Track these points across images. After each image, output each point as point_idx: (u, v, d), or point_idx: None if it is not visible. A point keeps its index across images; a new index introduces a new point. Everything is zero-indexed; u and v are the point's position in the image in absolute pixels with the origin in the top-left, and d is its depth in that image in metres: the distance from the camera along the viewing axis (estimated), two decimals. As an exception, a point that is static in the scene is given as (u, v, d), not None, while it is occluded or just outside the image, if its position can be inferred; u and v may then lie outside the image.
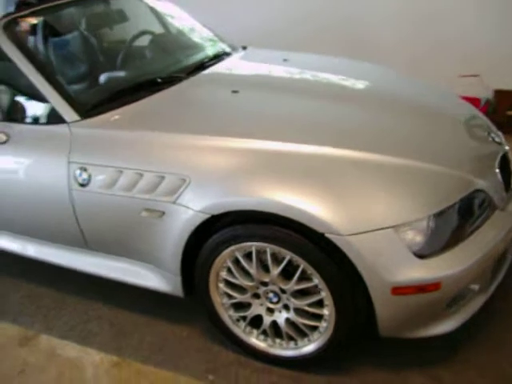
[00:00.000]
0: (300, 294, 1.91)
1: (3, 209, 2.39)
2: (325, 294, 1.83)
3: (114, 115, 2.15)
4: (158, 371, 2.07)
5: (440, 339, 1.93)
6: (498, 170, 2.04)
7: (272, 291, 1.95)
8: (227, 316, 2.06)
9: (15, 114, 2.27)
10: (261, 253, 1.88)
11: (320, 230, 1.72)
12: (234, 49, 3.00)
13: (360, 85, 2.53)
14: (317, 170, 1.82)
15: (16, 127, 2.23)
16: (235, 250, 1.90)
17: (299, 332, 1.97)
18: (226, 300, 2.03)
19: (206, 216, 1.86)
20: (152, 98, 2.26)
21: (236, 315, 2.05)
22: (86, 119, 2.13)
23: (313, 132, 2.01)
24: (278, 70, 2.72)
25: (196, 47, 2.92)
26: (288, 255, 1.82)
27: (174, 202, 1.92)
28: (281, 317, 1.98)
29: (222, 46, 2.96)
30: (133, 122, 2.12)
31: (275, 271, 1.87)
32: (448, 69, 3.78)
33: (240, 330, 2.06)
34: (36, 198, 2.21)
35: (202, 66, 2.60)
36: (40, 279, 2.65)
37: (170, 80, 2.39)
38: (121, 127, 2.09)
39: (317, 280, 1.82)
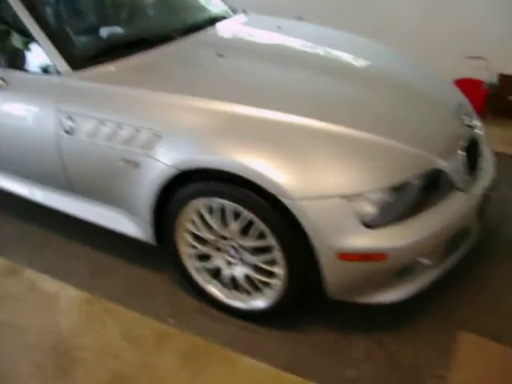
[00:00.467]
0: (257, 251, 2.03)
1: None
2: (278, 254, 1.94)
3: (103, 69, 2.26)
4: (125, 310, 2.24)
5: (391, 307, 2.04)
6: (461, 153, 2.10)
7: (231, 246, 2.07)
8: (191, 265, 2.20)
9: (16, 61, 2.37)
10: (223, 208, 2.00)
11: (273, 192, 1.82)
12: (235, 12, 3.06)
13: (349, 58, 2.56)
14: (280, 136, 1.91)
15: (16, 74, 2.36)
16: (199, 204, 2.02)
17: (254, 287, 2.10)
18: (190, 250, 2.17)
19: (175, 171, 1.98)
20: (141, 55, 2.36)
21: (199, 265, 2.19)
22: (77, 71, 2.24)
23: (285, 100, 2.09)
24: (269, 37, 2.77)
25: (196, 8, 2.99)
26: (246, 214, 1.94)
27: (147, 155, 2.04)
28: (238, 270, 2.11)
29: (223, 9, 3.03)
30: (117, 77, 2.23)
31: (234, 227, 2.00)
32: (455, 50, 3.76)
33: (202, 279, 2.21)
34: (28, 142, 2.36)
35: (197, 27, 2.68)
36: (31, 218, 2.84)
37: (163, 39, 2.48)
38: (106, 81, 2.21)
39: (271, 239, 1.93)
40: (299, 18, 4.36)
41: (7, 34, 2.38)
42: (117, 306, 2.26)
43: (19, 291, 2.35)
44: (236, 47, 2.57)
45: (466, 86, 3.74)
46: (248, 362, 2.02)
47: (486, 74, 3.67)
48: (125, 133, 2.08)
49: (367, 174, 1.86)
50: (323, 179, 1.83)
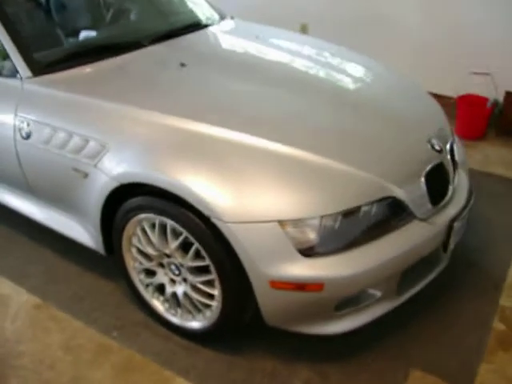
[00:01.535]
0: (197, 270, 1.96)
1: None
2: (214, 275, 1.88)
3: (62, 76, 2.24)
4: (71, 320, 2.21)
5: (341, 337, 1.95)
6: (423, 180, 1.97)
7: (174, 263, 2.02)
8: (137, 278, 2.16)
9: None
10: (164, 225, 1.94)
11: (206, 213, 1.76)
12: (222, 18, 3.00)
13: (322, 74, 2.46)
14: (220, 155, 1.84)
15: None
16: (141, 219, 1.98)
17: (194, 306, 2.04)
18: (137, 264, 2.13)
19: (116, 184, 1.94)
20: (103, 62, 2.33)
21: (145, 280, 2.15)
22: (37, 76, 2.23)
23: (234, 116, 2.02)
24: (243, 47, 2.70)
25: (177, 14, 2.94)
26: (183, 232, 1.88)
27: (95, 166, 2.01)
28: (180, 289, 2.05)
29: (208, 16, 2.96)
30: (73, 85, 2.20)
31: (173, 245, 1.94)
32: (460, 65, 3.59)
33: (147, 294, 2.16)
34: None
35: (171, 34, 2.63)
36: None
37: (130, 46, 2.44)
38: (61, 88, 2.18)
39: (207, 261, 1.87)
40: (303, 27, 4.28)
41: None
42: (65, 314, 2.24)
43: (-28, 293, 2.37)
44: (204, 57, 2.50)
45: (470, 102, 3.58)
46: (181, 383, 1.96)
47: (491, 91, 3.47)
48: (75, 142, 2.05)
49: (310, 199, 1.76)
50: (259, 203, 1.74)
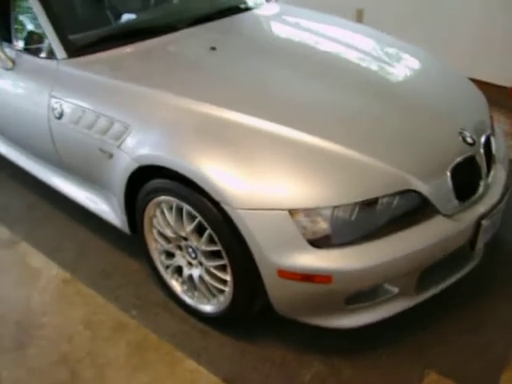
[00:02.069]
0: (211, 255, 1.96)
1: (6, 124, 2.72)
2: (226, 261, 1.88)
3: (94, 58, 2.29)
4: (95, 296, 2.28)
5: (356, 332, 1.91)
6: (449, 174, 1.87)
7: (190, 247, 2.03)
8: (158, 260, 2.19)
9: (26, 44, 2.45)
10: (181, 208, 1.96)
11: (217, 198, 1.75)
12: (267, 1, 2.95)
13: (356, 61, 2.37)
14: (237, 141, 1.83)
15: (23, 56, 2.45)
16: (160, 201, 2.00)
17: (209, 290, 2.05)
18: (157, 246, 2.16)
19: (136, 165, 1.97)
20: (135, 46, 2.36)
21: (165, 261, 2.17)
22: (72, 58, 2.29)
23: (259, 103, 1.99)
24: (281, 32, 2.65)
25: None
26: (198, 217, 1.88)
27: (118, 147, 2.05)
28: (196, 272, 2.06)
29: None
30: (103, 67, 2.26)
31: (188, 228, 1.95)
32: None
33: (167, 275, 2.19)
34: (28, 121, 2.46)
35: (209, 17, 2.61)
36: (38, 191, 2.94)
37: (164, 29, 2.46)
38: (91, 70, 2.24)
39: (219, 246, 1.87)
40: (359, 13, 4.15)
41: (19, 18, 2.49)
42: (90, 290, 2.31)
43: (9, 262, 2.48)
44: (236, 41, 2.48)
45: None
46: (191, 365, 1.98)
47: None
48: (102, 123, 2.10)
49: (323, 189, 1.72)
50: (271, 190, 1.72)
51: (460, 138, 1.96)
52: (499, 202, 2.02)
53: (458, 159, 1.91)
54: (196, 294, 2.10)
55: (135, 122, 2.01)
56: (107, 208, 2.33)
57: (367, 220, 1.75)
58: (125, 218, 2.21)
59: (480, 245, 2.00)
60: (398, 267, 1.79)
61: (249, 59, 2.29)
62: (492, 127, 2.24)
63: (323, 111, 1.98)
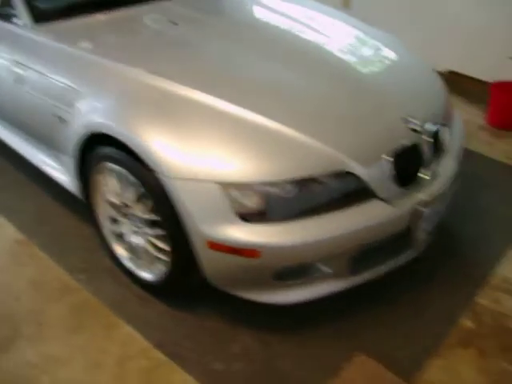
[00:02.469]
0: (152, 224, 1.99)
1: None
2: (164, 231, 1.91)
3: (57, 26, 2.34)
4: (46, 258, 2.33)
5: (291, 309, 1.96)
6: (388, 158, 1.87)
7: (134, 215, 2.07)
8: (106, 226, 2.23)
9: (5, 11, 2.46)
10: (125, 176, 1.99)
11: (154, 168, 1.79)
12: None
13: (316, 43, 2.38)
14: (180, 113, 1.86)
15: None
16: (107, 168, 2.03)
17: (150, 258, 2.08)
18: (104, 212, 2.20)
19: (85, 131, 2.01)
20: (98, 16, 2.40)
21: (111, 228, 2.21)
22: (36, 24, 2.33)
23: (204, 77, 2.03)
24: (243, 13, 2.67)
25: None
26: (139, 185, 1.92)
27: (70, 113, 2.09)
28: (138, 239, 2.10)
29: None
30: (63, 36, 2.29)
31: (131, 197, 1.99)
32: (499, 49, 3.32)
33: (112, 240, 2.23)
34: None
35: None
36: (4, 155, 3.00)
37: (129, 1, 2.49)
38: (52, 38, 2.27)
39: (159, 215, 1.90)
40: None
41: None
42: (43, 253, 2.37)
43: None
44: (199, 18, 2.47)
45: (505, 89, 3.33)
46: (128, 330, 2.03)
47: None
48: (55, 88, 2.14)
49: (256, 165, 1.74)
50: (205, 162, 1.75)
51: (405, 125, 1.97)
52: (443, 191, 2.03)
53: (401, 145, 1.91)
54: (138, 261, 2.15)
55: (87, 89, 2.05)
56: (62, 173, 2.37)
57: (301, 198, 1.77)
58: (78, 183, 2.25)
59: (420, 233, 2.02)
60: (327, 247, 1.81)
61: (208, 36, 2.30)
62: (448, 117, 2.24)
63: (271, 90, 2.00)
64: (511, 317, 2.13)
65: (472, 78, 3.53)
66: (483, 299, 2.20)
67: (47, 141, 2.33)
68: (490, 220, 2.65)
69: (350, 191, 1.84)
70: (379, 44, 2.48)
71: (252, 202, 1.74)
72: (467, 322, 2.10)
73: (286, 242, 1.74)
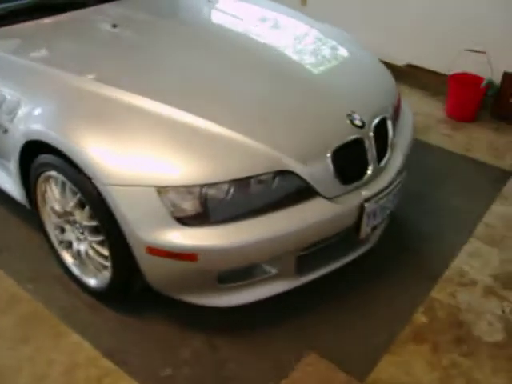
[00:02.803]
0: (94, 230, 1.96)
1: None
2: (104, 237, 1.89)
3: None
4: (-4, 268, 2.31)
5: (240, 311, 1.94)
6: (330, 155, 1.86)
7: (77, 222, 2.04)
8: (53, 234, 2.20)
9: None
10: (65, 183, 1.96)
11: (89, 174, 1.76)
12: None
13: (258, 41, 2.37)
14: (115, 118, 1.84)
15: None
16: (48, 176, 2.00)
17: (95, 265, 2.05)
18: (50, 220, 2.17)
19: (25, 139, 1.97)
20: (35, 22, 2.36)
21: (59, 236, 2.18)
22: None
23: (142, 80, 2.00)
24: (188, 10, 2.65)
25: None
26: (78, 192, 1.89)
27: (11, 122, 2.05)
28: (82, 246, 2.07)
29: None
30: (3, 43, 2.25)
31: (71, 203, 1.96)
32: (455, 40, 3.33)
33: (60, 248, 2.20)
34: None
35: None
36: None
37: (68, 6, 2.46)
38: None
39: (97, 221, 1.88)
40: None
41: None
42: (-8, 262, 2.34)
43: None
44: (140, 20, 2.45)
45: (463, 81, 3.34)
46: (75, 339, 2.00)
47: (487, 70, 3.20)
48: (-1, 98, 2.11)
49: (192, 167, 1.72)
50: (140, 167, 1.72)
51: (348, 121, 1.95)
52: (387, 186, 2.02)
53: (342, 142, 1.90)
54: (85, 268, 2.12)
55: (25, 96, 2.02)
56: (8, 181, 2.33)
57: (241, 199, 1.75)
58: (22, 191, 2.22)
59: (366, 229, 2.01)
60: (269, 248, 1.79)
61: (148, 38, 2.28)
62: (397, 111, 2.23)
63: (210, 91, 1.98)
64: (465, 310, 2.14)
65: (430, 71, 3.53)
66: (438, 294, 2.20)
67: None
68: (449, 213, 2.66)
69: (291, 190, 1.82)
70: (327, 39, 2.47)
71: (190, 205, 1.72)
72: (422, 318, 2.10)
73: (224, 244, 1.72)
